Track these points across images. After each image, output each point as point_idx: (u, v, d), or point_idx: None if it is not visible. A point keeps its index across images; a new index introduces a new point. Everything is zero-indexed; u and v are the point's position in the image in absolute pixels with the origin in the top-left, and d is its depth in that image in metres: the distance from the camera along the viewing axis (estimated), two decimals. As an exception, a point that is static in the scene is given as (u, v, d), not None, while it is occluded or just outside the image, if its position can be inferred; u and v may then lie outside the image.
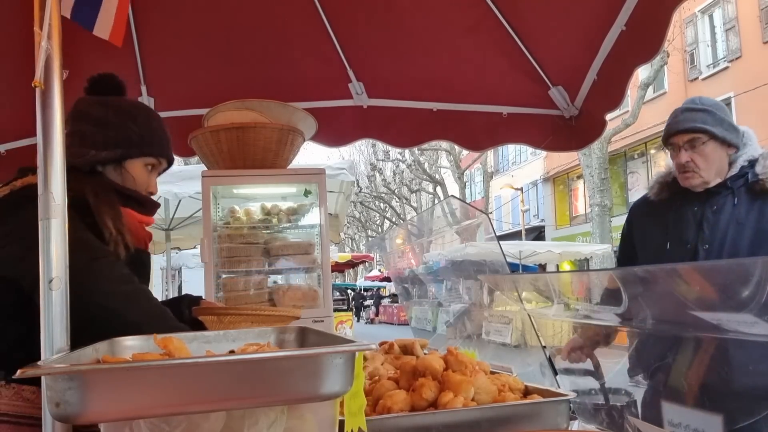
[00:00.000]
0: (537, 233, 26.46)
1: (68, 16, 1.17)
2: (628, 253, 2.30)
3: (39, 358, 0.78)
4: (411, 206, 29.74)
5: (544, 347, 1.96)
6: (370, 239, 35.63)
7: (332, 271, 7.52)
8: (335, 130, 3.35)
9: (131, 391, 0.79)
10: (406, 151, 23.70)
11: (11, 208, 1.36)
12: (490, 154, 25.73)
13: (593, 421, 1.63)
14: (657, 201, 2.20)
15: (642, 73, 13.54)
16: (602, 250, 14.50)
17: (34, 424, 1.30)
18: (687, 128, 2.07)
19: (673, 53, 15.80)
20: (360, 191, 29.63)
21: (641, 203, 2.30)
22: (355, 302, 27.54)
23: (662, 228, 2.15)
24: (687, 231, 2.08)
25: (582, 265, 17.33)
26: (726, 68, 17.40)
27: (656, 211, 2.19)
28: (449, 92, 3.22)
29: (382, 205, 32.41)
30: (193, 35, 2.94)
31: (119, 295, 1.34)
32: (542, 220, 27.25)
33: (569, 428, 1.42)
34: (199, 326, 1.55)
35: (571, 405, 1.51)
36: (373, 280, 28.34)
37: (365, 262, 21.85)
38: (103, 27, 1.23)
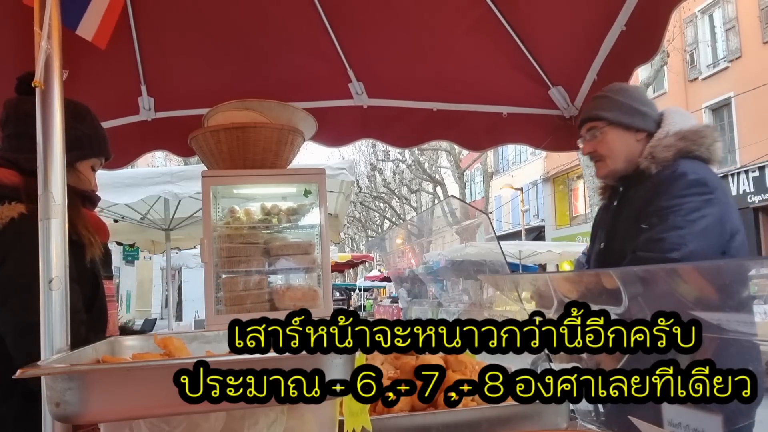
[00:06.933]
0: (537, 233, 26.44)
1: None
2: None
3: None
4: (411, 206, 29.69)
5: (544, 347, 1.96)
6: (370, 239, 35.56)
7: (332, 271, 7.49)
8: (335, 130, 3.35)
9: (131, 391, 0.79)
10: (406, 151, 23.67)
11: None
12: (490, 154, 25.71)
13: (593, 422, 1.63)
14: (602, 205, 2.18)
15: (642, 73, 13.53)
16: (602, 250, 14.45)
17: None
18: (585, 118, 2.00)
19: (673, 53, 15.79)
20: (360, 191, 29.58)
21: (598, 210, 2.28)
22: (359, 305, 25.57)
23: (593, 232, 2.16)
24: (597, 230, 2.09)
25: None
26: (726, 68, 17.40)
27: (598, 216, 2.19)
28: (449, 92, 3.22)
29: (382, 205, 32.36)
30: (192, 35, 2.94)
31: None
32: (542, 220, 27.23)
33: (569, 428, 1.42)
34: None
35: (571, 405, 1.51)
36: (373, 280, 28.24)
37: (365, 262, 21.80)
38: (88, 28, 1.22)
